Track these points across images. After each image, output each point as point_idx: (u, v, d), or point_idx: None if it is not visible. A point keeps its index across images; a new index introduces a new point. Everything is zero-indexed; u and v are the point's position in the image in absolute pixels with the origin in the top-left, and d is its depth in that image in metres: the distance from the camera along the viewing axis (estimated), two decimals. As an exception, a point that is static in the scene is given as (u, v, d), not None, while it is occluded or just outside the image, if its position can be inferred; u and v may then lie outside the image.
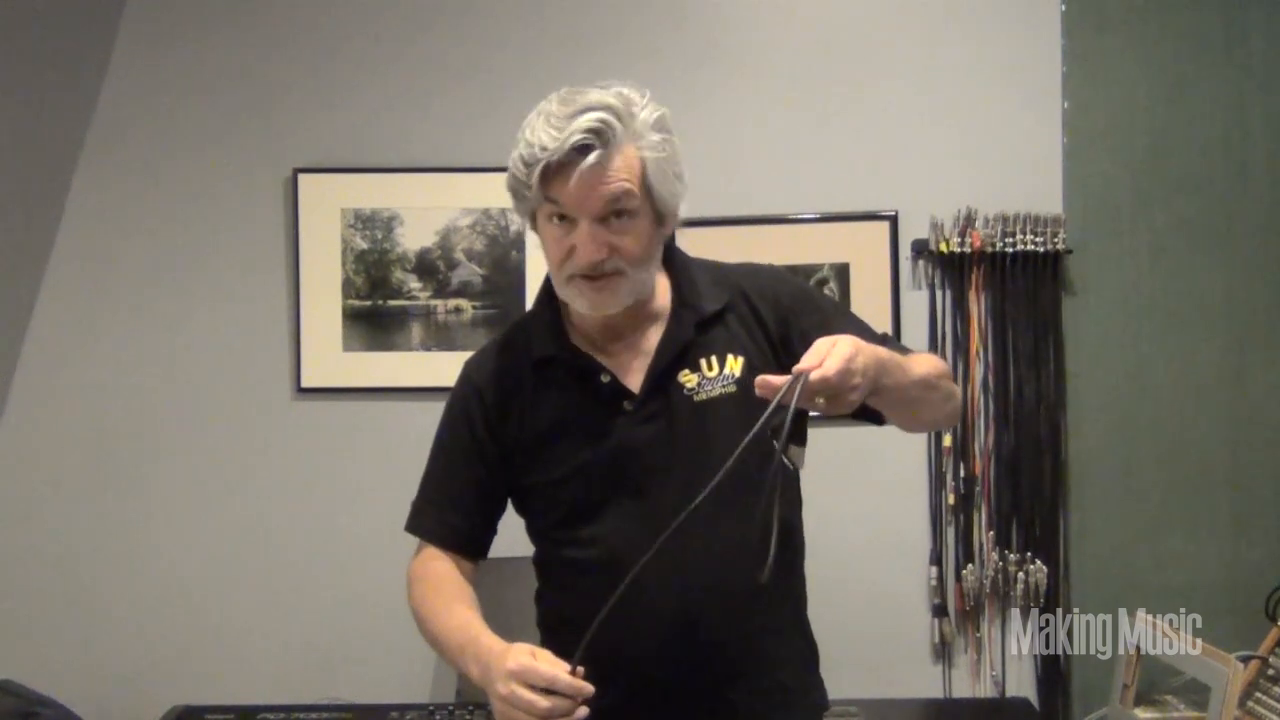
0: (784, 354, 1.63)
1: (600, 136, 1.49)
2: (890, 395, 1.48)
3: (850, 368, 1.36)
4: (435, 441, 1.76)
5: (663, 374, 1.60)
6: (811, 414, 1.39)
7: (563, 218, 1.53)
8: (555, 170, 1.49)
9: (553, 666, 1.40)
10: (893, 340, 1.68)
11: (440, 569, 1.68)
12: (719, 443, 1.50)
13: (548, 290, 1.68)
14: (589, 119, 1.48)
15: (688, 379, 1.61)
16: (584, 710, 1.39)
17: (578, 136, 1.48)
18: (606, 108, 1.50)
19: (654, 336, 1.63)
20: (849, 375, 1.37)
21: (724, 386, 1.61)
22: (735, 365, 1.62)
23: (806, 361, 1.36)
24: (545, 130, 1.50)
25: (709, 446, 1.54)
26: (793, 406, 1.33)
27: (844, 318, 1.68)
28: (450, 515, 1.71)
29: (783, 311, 1.65)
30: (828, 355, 1.37)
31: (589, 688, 1.39)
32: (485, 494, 1.71)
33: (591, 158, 1.48)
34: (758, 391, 1.36)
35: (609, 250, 1.52)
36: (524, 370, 1.66)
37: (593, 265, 1.52)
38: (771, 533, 1.35)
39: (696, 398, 1.60)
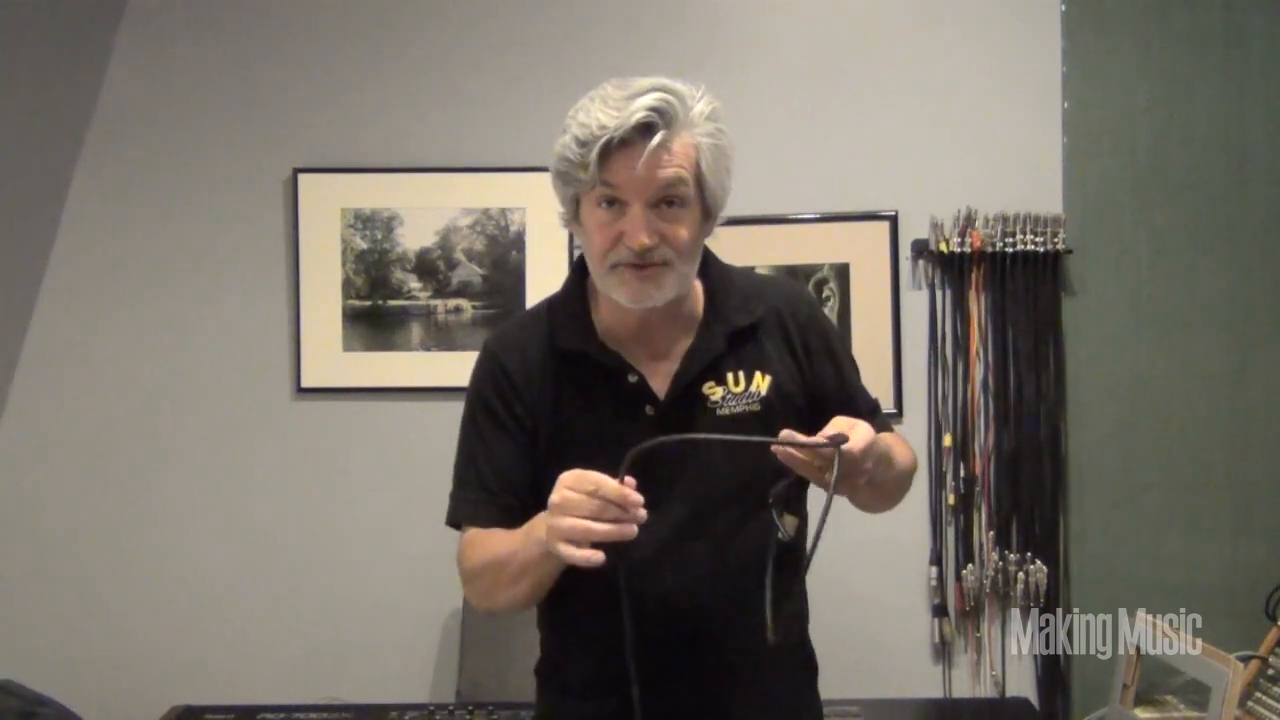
0: (805, 381, 1.64)
1: (663, 116, 1.45)
2: (876, 486, 1.50)
3: (869, 452, 1.39)
4: (466, 425, 1.65)
5: (689, 384, 1.57)
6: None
7: (611, 202, 1.49)
8: (615, 149, 1.45)
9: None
10: (878, 410, 1.72)
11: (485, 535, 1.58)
12: (738, 461, 1.49)
13: (576, 282, 1.63)
14: (652, 98, 1.45)
15: (713, 391, 1.58)
16: (632, 528, 1.35)
17: (642, 114, 1.44)
18: (667, 89, 1.48)
19: (683, 344, 1.60)
20: (865, 459, 1.39)
21: (748, 404, 1.58)
22: (762, 383, 1.60)
23: (833, 431, 1.38)
24: (603, 111, 1.45)
25: (727, 463, 1.52)
26: (835, 470, 1.34)
27: (853, 376, 1.71)
28: (502, 497, 1.59)
29: (809, 347, 1.65)
30: (852, 430, 1.39)
31: (638, 498, 1.35)
32: (530, 464, 1.60)
33: (656, 138, 1.45)
34: (780, 458, 1.37)
35: (659, 238, 1.49)
36: (548, 359, 1.61)
37: (642, 251, 1.48)
38: (765, 598, 1.39)
39: (720, 412, 1.57)
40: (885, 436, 1.60)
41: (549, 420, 1.59)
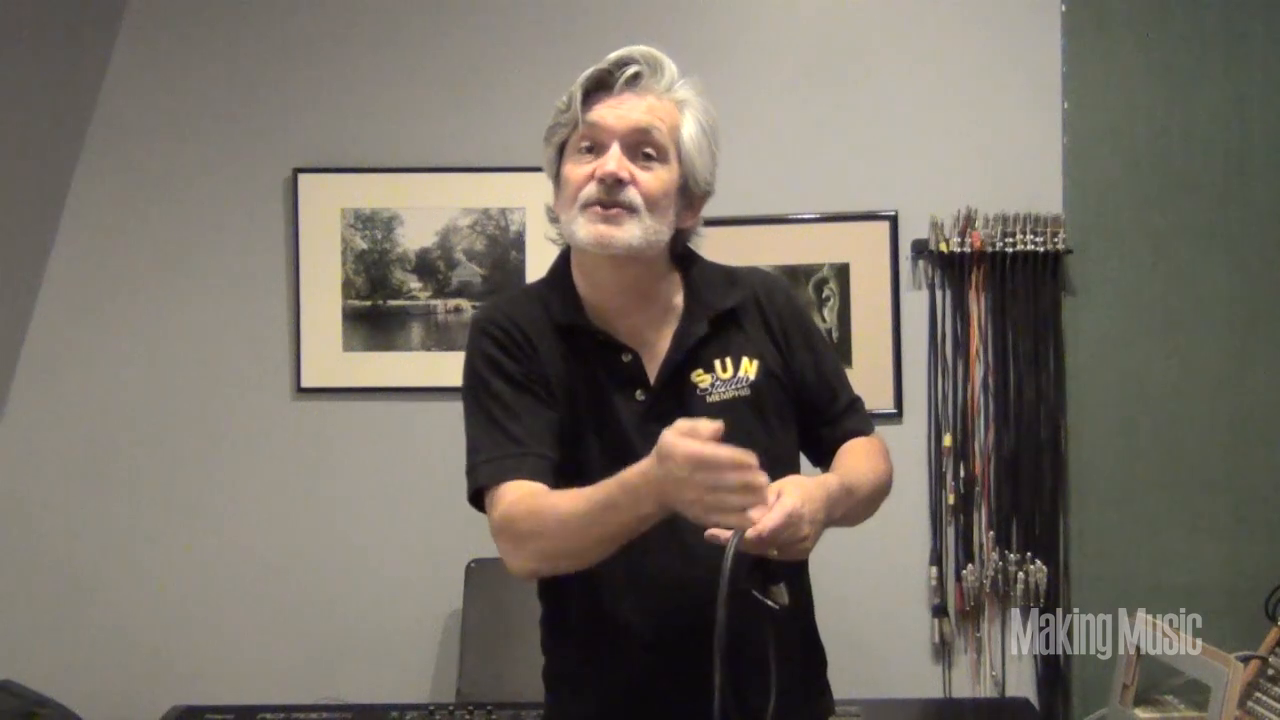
0: (787, 367, 1.64)
1: (647, 63, 1.55)
2: (838, 523, 1.49)
3: (791, 521, 1.35)
4: (477, 395, 1.58)
5: (677, 370, 1.58)
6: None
7: (591, 149, 1.55)
8: (596, 90, 1.54)
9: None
10: (859, 407, 1.70)
11: (540, 492, 1.50)
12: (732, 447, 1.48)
13: (562, 265, 1.64)
14: (640, 48, 1.56)
15: (701, 379, 1.59)
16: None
17: (623, 52, 1.55)
18: (658, 52, 1.57)
19: (667, 333, 1.61)
20: (794, 527, 1.35)
21: (737, 389, 1.59)
22: (750, 368, 1.61)
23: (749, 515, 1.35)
24: (594, 66, 1.56)
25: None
26: (729, 558, 1.32)
27: (831, 366, 1.70)
28: (536, 449, 1.52)
29: (787, 334, 1.65)
30: (769, 509, 1.35)
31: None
32: (556, 419, 1.56)
33: (630, 70, 1.54)
34: (707, 539, 1.35)
35: (630, 175, 1.53)
36: (547, 331, 1.60)
37: (610, 180, 1.52)
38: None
39: (709, 399, 1.57)
40: (851, 453, 1.62)
41: (558, 388, 1.58)
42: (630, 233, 1.53)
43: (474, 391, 1.59)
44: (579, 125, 1.54)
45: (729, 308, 1.62)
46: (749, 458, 1.33)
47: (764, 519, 1.34)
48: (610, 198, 1.52)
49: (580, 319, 1.59)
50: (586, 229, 1.53)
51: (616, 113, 1.53)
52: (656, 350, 1.60)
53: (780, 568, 1.42)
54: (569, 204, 1.56)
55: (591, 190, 1.53)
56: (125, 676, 2.87)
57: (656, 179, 1.54)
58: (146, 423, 2.92)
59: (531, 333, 1.59)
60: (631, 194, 1.52)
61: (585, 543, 1.44)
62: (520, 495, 1.49)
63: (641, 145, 1.54)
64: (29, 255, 2.89)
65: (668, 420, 1.47)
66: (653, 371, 1.59)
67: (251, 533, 2.92)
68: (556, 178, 1.60)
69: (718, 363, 1.60)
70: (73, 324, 2.92)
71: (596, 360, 1.58)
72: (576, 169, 1.56)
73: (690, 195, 1.59)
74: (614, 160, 1.52)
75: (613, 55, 1.55)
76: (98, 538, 2.91)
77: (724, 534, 1.34)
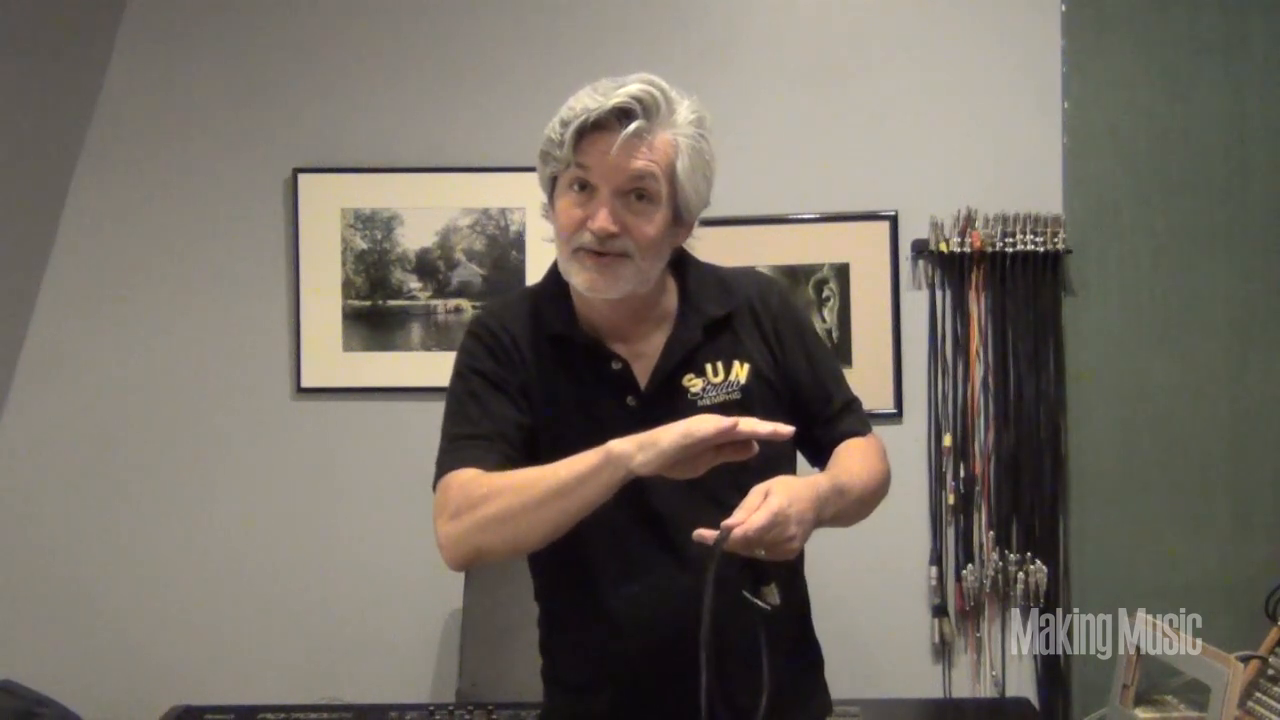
0: (781, 369, 1.64)
1: (644, 107, 1.49)
2: (831, 523, 1.50)
3: (777, 521, 1.36)
4: (457, 391, 1.61)
5: (669, 375, 1.59)
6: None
7: (584, 187, 1.52)
8: (591, 130, 1.49)
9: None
10: (855, 408, 1.70)
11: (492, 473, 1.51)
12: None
13: (557, 274, 1.63)
14: (637, 88, 1.49)
15: (692, 383, 1.59)
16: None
17: (621, 99, 1.48)
18: (655, 84, 1.51)
19: (659, 339, 1.61)
20: (780, 527, 1.36)
21: (728, 393, 1.59)
22: (741, 372, 1.61)
23: (735, 515, 1.36)
24: (590, 96, 1.50)
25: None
26: (715, 560, 1.34)
27: (827, 367, 1.69)
28: (499, 445, 1.54)
29: (781, 336, 1.65)
30: (756, 509, 1.36)
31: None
32: (526, 428, 1.58)
33: (630, 126, 1.48)
34: (694, 539, 1.37)
35: (621, 227, 1.51)
36: (536, 341, 1.61)
37: (602, 235, 1.50)
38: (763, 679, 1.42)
39: (700, 403, 1.57)
40: (845, 453, 1.61)
41: (540, 399, 1.59)
42: (624, 280, 1.54)
43: (454, 389, 1.62)
44: (570, 165, 1.52)
45: (722, 315, 1.63)
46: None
47: (750, 519, 1.35)
48: (603, 247, 1.51)
49: (571, 330, 1.60)
50: (580, 276, 1.54)
51: (610, 160, 1.49)
52: (648, 356, 1.61)
53: (771, 568, 1.43)
54: (562, 240, 1.56)
55: (584, 237, 1.52)
56: (125, 676, 2.87)
57: (650, 224, 1.53)
58: (146, 423, 2.92)
59: (521, 339, 1.61)
60: (624, 243, 1.52)
61: (534, 500, 1.43)
62: (471, 473, 1.50)
63: (635, 189, 1.51)
64: (29, 255, 2.89)
65: (658, 423, 1.46)
66: (644, 377, 1.59)
67: (251, 533, 2.91)
68: (551, 198, 1.59)
69: (709, 367, 1.60)
70: (73, 324, 2.92)
71: (587, 368, 1.59)
72: (569, 208, 1.54)
73: (683, 220, 1.58)
74: (604, 216, 1.50)
75: (612, 100, 1.48)
76: (97, 537, 2.91)
77: (710, 534, 1.35)
